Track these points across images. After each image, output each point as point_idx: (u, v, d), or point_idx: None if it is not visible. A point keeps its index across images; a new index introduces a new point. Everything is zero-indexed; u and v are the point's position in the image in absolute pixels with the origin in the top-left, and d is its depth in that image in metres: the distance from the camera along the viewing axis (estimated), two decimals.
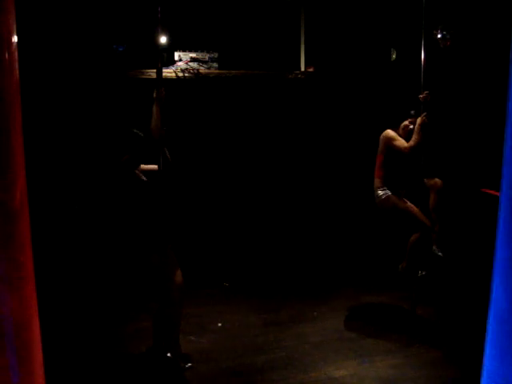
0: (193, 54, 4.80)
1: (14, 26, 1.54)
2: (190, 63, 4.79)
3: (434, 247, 3.89)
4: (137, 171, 3.02)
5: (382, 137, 3.93)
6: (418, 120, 3.73)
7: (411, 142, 3.77)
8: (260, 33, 5.19)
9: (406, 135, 3.88)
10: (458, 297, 4.32)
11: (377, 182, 3.97)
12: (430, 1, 3.69)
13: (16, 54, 1.56)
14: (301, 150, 5.34)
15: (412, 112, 3.90)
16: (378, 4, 5.24)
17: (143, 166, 3.10)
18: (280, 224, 5.33)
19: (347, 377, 3.13)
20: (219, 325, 3.87)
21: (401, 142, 3.83)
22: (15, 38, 1.54)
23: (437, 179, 3.94)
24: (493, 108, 4.33)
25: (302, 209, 5.40)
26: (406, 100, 4.08)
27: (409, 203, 3.88)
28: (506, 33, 2.20)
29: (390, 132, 3.89)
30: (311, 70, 5.21)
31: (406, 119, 3.93)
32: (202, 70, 4.82)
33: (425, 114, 3.72)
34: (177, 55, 4.78)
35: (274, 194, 5.31)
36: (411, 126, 3.89)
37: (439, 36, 4.29)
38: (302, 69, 5.27)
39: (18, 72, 1.59)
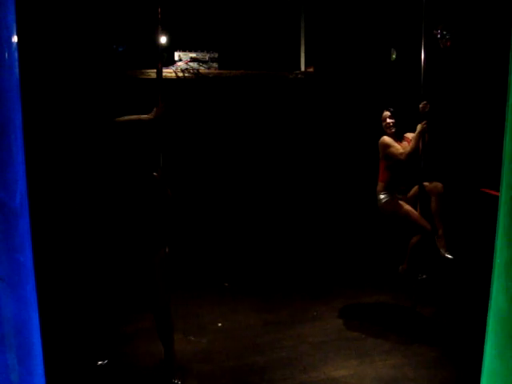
0: (193, 54, 4.80)
1: (14, 26, 1.54)
2: (190, 63, 4.79)
3: (442, 251, 3.87)
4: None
5: (379, 144, 3.94)
6: (418, 127, 3.72)
7: (408, 148, 3.75)
8: (260, 33, 5.19)
9: (394, 132, 3.88)
10: (457, 297, 4.32)
11: (379, 186, 3.99)
12: (430, 1, 3.69)
13: (16, 54, 1.56)
14: (301, 150, 5.34)
15: (391, 109, 3.90)
16: (377, 4, 5.24)
17: None
18: (280, 224, 5.33)
19: (347, 377, 3.13)
20: (219, 325, 3.87)
21: (396, 149, 3.82)
22: (15, 38, 1.54)
23: (437, 183, 3.93)
24: (493, 107, 4.33)
25: (302, 209, 5.39)
26: (406, 100, 4.08)
27: (409, 207, 3.88)
28: (506, 33, 2.20)
29: (385, 139, 3.90)
30: (311, 70, 5.21)
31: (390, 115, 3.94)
32: (202, 69, 4.83)
33: (425, 121, 3.71)
34: (177, 55, 4.78)
35: (274, 194, 5.31)
36: (388, 120, 3.89)
37: (439, 36, 4.29)
38: (302, 69, 5.27)
39: (18, 72, 1.58)
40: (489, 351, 1.49)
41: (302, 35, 5.26)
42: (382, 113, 3.94)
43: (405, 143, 3.90)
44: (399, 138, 3.92)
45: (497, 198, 1.49)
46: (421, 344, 3.51)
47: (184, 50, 4.80)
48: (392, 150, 3.83)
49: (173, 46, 4.78)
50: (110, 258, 4.54)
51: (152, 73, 4.53)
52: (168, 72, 4.68)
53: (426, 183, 3.91)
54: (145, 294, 3.08)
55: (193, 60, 4.80)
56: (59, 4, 4.45)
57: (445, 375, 3.13)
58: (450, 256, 3.85)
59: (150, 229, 2.92)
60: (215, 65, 4.89)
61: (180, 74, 4.76)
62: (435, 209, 3.92)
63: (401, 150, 3.80)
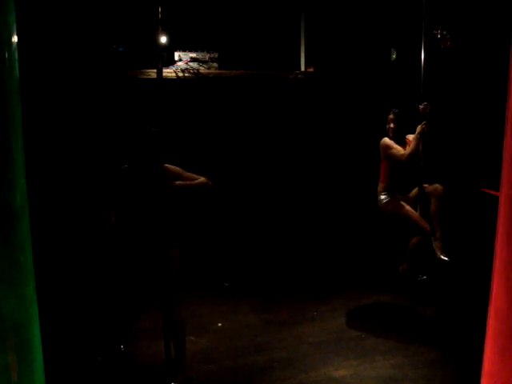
0: (193, 54, 4.80)
1: (14, 26, 1.55)
2: (190, 63, 4.79)
3: (439, 253, 3.89)
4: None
5: (380, 145, 3.94)
6: (418, 128, 3.72)
7: (408, 150, 3.75)
8: (260, 33, 5.19)
9: (394, 136, 3.88)
10: (457, 297, 4.32)
11: (380, 186, 4.00)
12: (430, 1, 3.68)
13: (16, 54, 1.56)
14: (301, 151, 5.34)
15: (395, 110, 3.89)
16: (378, 4, 5.24)
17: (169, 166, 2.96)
18: (280, 224, 5.32)
19: (347, 377, 3.13)
20: (219, 325, 3.87)
21: (396, 150, 3.82)
22: (15, 38, 1.54)
23: (437, 185, 3.93)
24: (493, 107, 4.33)
25: (302, 209, 5.39)
26: (406, 100, 4.08)
27: (409, 208, 3.88)
28: (506, 33, 2.20)
29: (386, 140, 3.90)
30: (311, 70, 5.21)
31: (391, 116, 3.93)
32: (202, 70, 4.82)
33: (424, 122, 3.71)
34: (177, 55, 4.78)
35: (274, 194, 5.31)
36: (392, 125, 3.89)
37: (439, 36, 4.29)
38: (302, 69, 5.27)
39: (17, 72, 1.59)
40: (488, 351, 1.49)
41: (302, 35, 5.26)
42: (389, 114, 3.93)
43: (406, 146, 3.91)
44: (400, 142, 3.90)
45: (497, 198, 1.50)
46: (421, 344, 3.51)
47: (184, 50, 4.80)
48: (393, 151, 3.84)
49: (173, 45, 4.77)
50: (110, 258, 4.54)
51: (152, 73, 4.53)
52: (168, 72, 4.68)
53: (426, 185, 3.91)
54: (155, 292, 3.09)
55: (193, 60, 4.80)
56: (59, 4, 4.45)
57: (445, 375, 3.13)
58: (445, 258, 3.86)
59: (163, 227, 2.90)
60: (215, 65, 4.88)
61: (180, 74, 4.76)
62: (434, 211, 3.93)
63: (402, 152, 3.80)
